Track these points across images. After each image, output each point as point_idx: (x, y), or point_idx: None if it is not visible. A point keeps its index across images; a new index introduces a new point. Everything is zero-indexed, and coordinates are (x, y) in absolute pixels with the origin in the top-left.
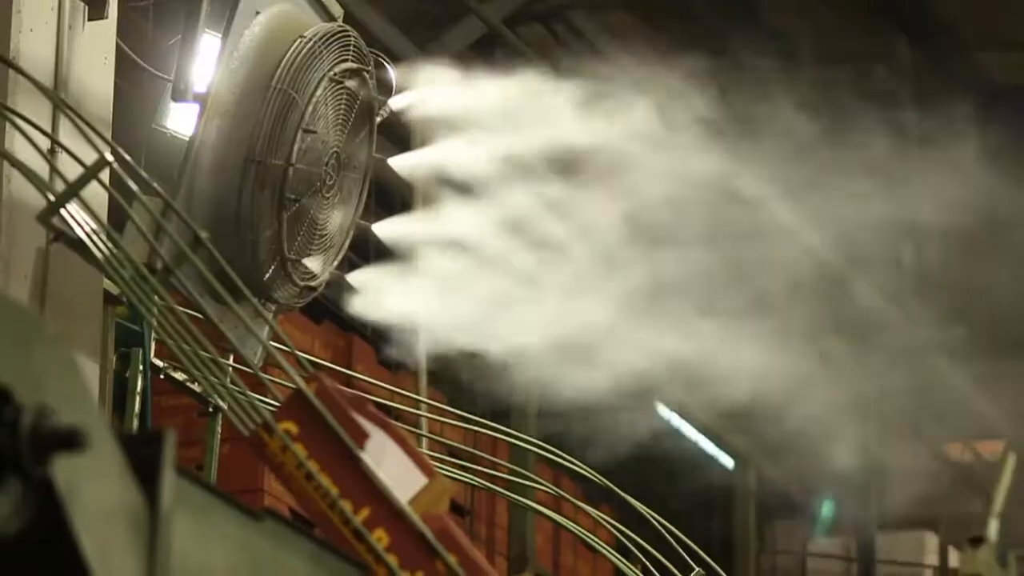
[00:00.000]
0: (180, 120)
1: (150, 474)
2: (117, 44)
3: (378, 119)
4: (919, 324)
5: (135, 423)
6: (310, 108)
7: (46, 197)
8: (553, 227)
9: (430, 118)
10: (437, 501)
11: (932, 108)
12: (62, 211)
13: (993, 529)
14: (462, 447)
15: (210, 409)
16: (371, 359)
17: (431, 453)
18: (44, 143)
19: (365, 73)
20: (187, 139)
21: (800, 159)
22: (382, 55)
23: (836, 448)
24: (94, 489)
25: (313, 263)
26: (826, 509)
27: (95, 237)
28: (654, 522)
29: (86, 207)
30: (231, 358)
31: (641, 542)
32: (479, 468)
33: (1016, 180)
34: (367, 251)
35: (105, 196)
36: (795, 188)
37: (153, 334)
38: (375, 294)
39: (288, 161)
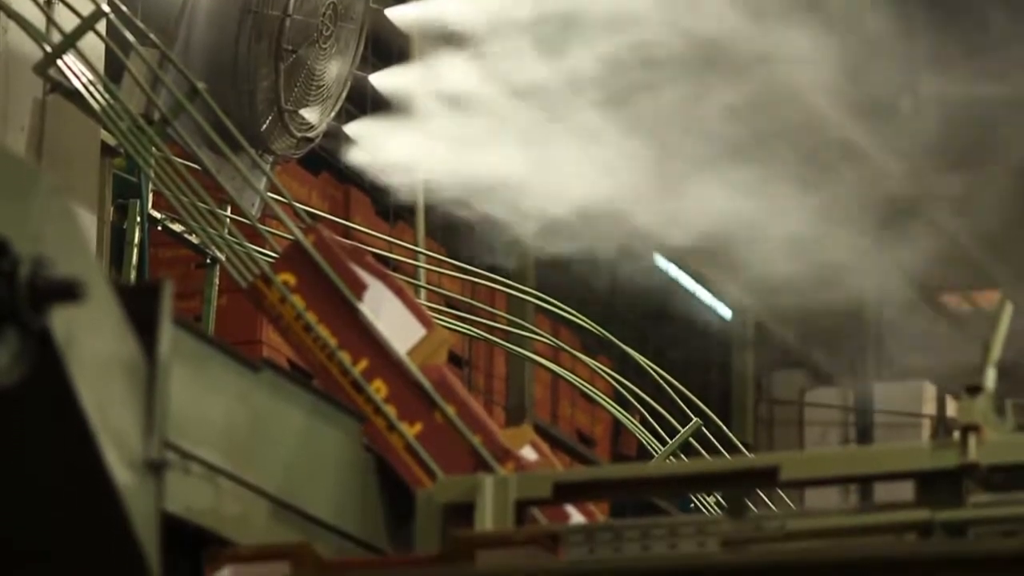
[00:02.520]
0: None
1: (148, 325)
2: None
3: None
4: (919, 174)
5: (133, 275)
6: None
7: (43, 48)
8: (551, 77)
9: None
10: (435, 352)
11: None
12: (59, 62)
13: (991, 378)
14: (460, 298)
15: (208, 260)
16: (369, 210)
17: (429, 304)
18: None
19: None
20: None
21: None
22: None
23: (834, 298)
24: (92, 340)
25: (310, 114)
26: None
27: (92, 88)
28: (652, 373)
29: (83, 58)
30: (229, 209)
31: (639, 392)
32: (477, 319)
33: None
34: (364, 102)
35: (102, 47)
36: (796, 29)
37: (150, 185)
38: (373, 145)
39: (285, 11)
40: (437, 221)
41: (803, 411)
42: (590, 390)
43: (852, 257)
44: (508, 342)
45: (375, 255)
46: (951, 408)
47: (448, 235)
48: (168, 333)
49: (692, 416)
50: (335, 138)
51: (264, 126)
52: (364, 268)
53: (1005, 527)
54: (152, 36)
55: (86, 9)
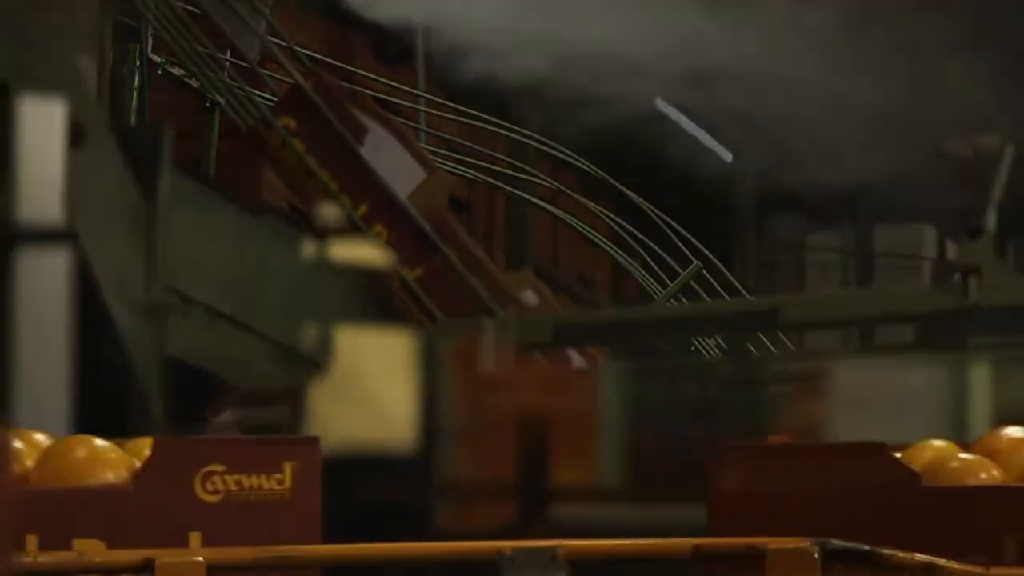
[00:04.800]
0: None
1: (149, 169)
2: None
3: None
4: (919, 14)
5: (133, 118)
6: None
7: None
8: None
9: None
10: (436, 195)
11: None
12: None
13: (991, 220)
14: (461, 142)
15: (208, 104)
16: (369, 54)
17: (430, 148)
18: None
19: None
20: None
21: None
22: None
23: (834, 141)
24: (93, 184)
25: None
26: None
27: None
28: (653, 216)
29: None
30: (228, 53)
31: (640, 236)
32: (478, 162)
33: None
34: None
35: None
36: None
37: (150, 29)
38: None
39: None
40: (438, 64)
41: (804, 254)
42: (591, 233)
43: (852, 96)
44: (509, 185)
45: (376, 99)
46: (952, 250)
47: (449, 78)
48: (168, 177)
49: (693, 259)
50: None
51: None
52: (365, 112)
53: None
54: None
55: None
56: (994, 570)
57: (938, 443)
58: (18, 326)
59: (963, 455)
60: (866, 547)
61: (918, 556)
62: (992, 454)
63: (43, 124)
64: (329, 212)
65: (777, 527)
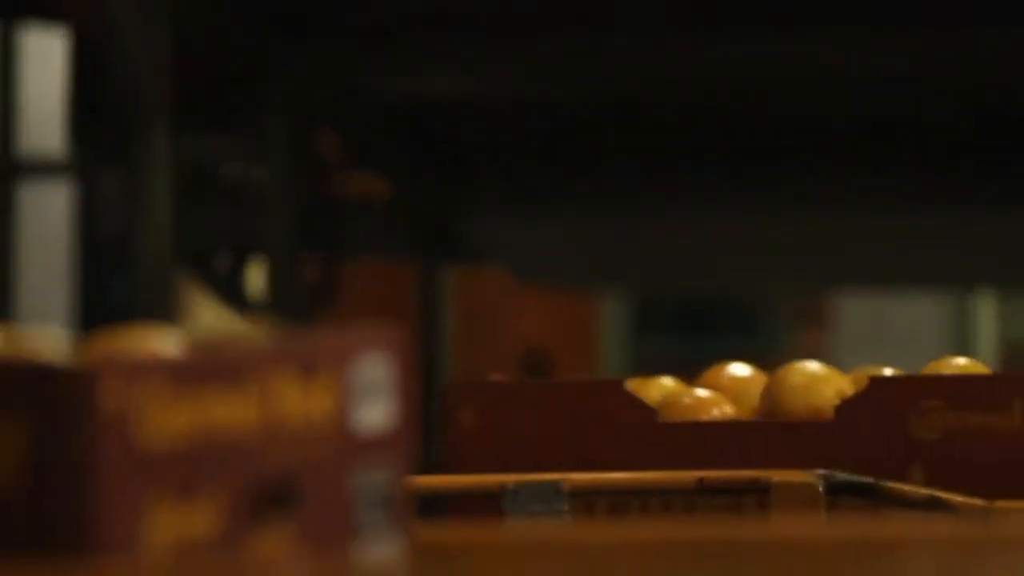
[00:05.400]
0: None
1: None
2: None
3: None
4: None
5: None
6: None
7: None
8: None
9: None
10: None
11: None
12: None
13: None
14: None
15: None
16: None
17: None
18: None
19: None
20: None
21: None
22: None
23: None
24: None
25: None
26: None
27: None
28: None
29: None
30: None
31: None
32: None
33: None
34: None
35: None
36: None
37: None
38: None
39: None
40: None
41: None
42: None
43: None
44: None
45: None
46: None
47: None
48: None
49: None
50: None
51: None
52: None
53: None
54: None
55: None
56: (998, 503)
57: (667, 381)
58: (19, 258)
59: (697, 391)
60: (870, 480)
61: (921, 490)
62: (716, 391)
63: (45, 54)
64: None
65: (516, 465)
